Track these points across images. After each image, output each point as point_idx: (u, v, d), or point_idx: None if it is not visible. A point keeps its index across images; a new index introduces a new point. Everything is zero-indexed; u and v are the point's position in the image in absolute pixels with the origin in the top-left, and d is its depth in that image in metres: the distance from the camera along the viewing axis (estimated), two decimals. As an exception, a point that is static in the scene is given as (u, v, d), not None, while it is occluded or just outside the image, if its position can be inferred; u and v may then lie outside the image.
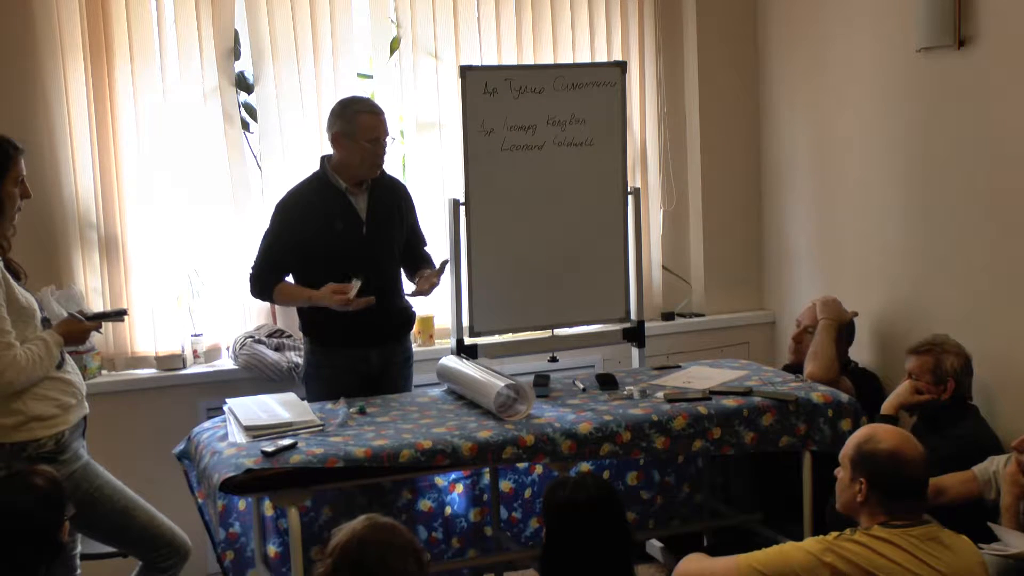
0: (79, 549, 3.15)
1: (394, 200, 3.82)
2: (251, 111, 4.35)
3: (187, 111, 4.14)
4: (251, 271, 3.77)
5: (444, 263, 3.82)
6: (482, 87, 3.90)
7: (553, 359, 4.18)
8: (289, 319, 4.18)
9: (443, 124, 4.42)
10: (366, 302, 3.58)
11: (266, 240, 3.74)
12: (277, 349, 4.11)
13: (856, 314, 4.07)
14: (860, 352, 4.19)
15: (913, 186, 4.02)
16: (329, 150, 3.75)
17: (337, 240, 3.65)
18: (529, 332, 4.23)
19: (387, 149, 3.72)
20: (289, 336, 4.18)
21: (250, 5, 4.17)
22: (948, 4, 3.67)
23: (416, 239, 3.93)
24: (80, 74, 3.96)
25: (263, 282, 3.73)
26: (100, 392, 3.84)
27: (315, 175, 3.76)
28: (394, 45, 4.42)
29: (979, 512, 3.05)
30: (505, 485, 3.84)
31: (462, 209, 3.93)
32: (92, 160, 4.00)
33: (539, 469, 3.82)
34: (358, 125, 3.63)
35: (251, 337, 4.13)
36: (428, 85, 4.40)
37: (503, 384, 3.35)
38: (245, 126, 4.34)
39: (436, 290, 4.18)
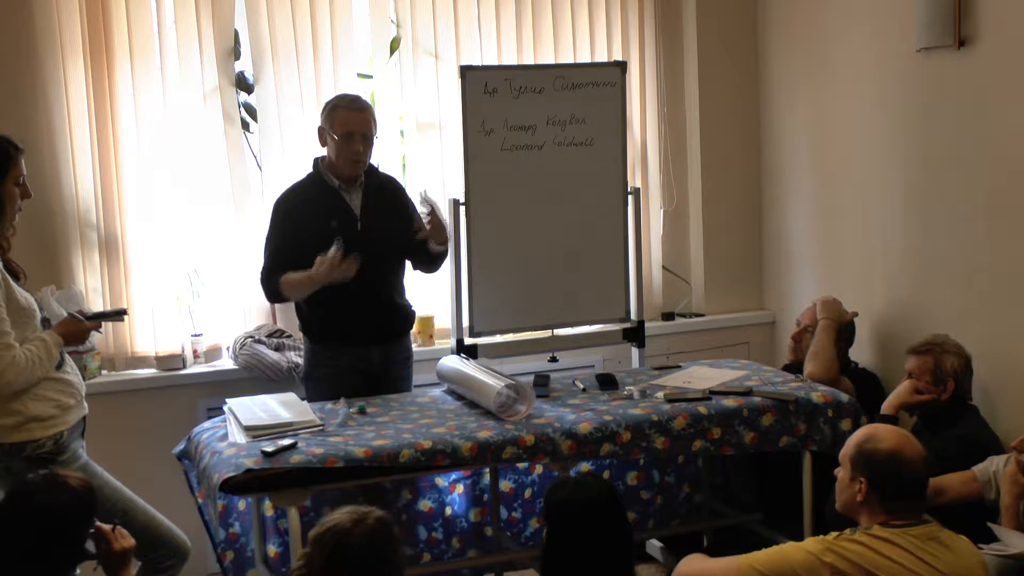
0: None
1: (390, 197, 3.81)
2: (251, 111, 4.35)
3: (187, 111, 4.14)
4: (261, 276, 3.75)
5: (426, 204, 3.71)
6: (482, 87, 3.90)
7: (553, 359, 4.18)
8: (289, 319, 4.18)
9: (443, 124, 4.42)
10: (351, 263, 3.54)
11: (269, 244, 3.74)
12: (277, 349, 4.11)
13: (856, 314, 4.07)
14: (860, 352, 4.18)
15: (913, 186, 4.02)
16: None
17: (332, 238, 3.65)
18: (529, 332, 4.23)
19: (367, 147, 3.66)
20: (289, 336, 4.18)
21: (250, 5, 4.17)
22: (948, 4, 3.67)
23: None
24: (80, 74, 3.96)
25: (270, 284, 3.70)
26: (100, 392, 3.84)
27: (309, 175, 3.77)
28: (394, 45, 4.42)
29: (979, 512, 3.05)
30: (505, 485, 3.84)
31: (462, 209, 3.93)
32: (92, 160, 4.00)
33: (539, 469, 3.82)
34: (333, 120, 3.64)
35: (251, 337, 4.13)
36: (428, 85, 4.40)
37: (503, 384, 3.35)
38: (245, 126, 4.34)
39: (436, 290, 4.19)
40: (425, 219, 3.69)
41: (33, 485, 2.54)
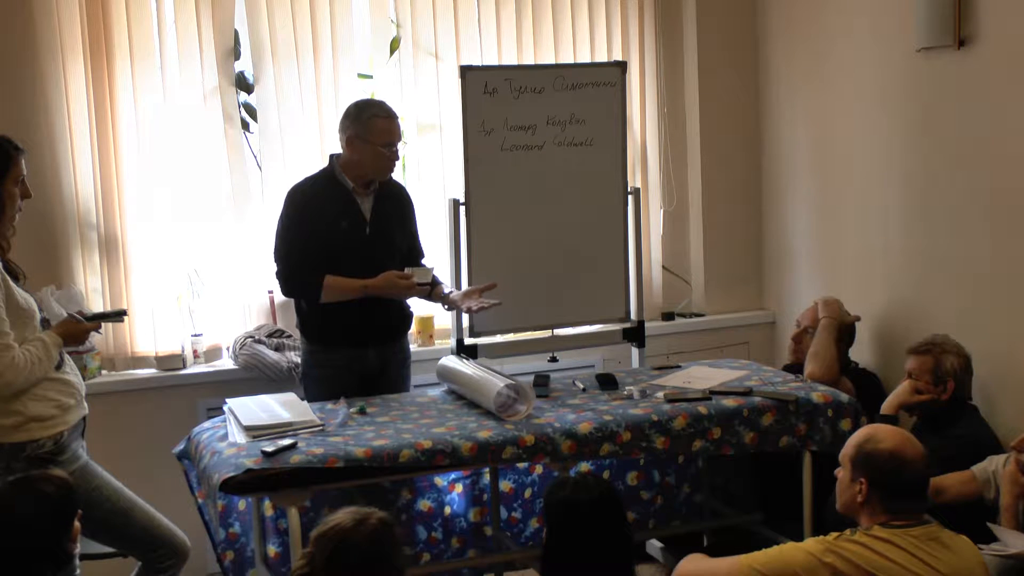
0: (79, 549, 3.14)
1: (397, 205, 3.83)
2: (251, 111, 4.35)
3: (187, 111, 4.14)
4: (281, 271, 3.73)
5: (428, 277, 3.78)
6: (482, 87, 3.90)
7: (553, 359, 4.18)
8: (289, 319, 4.18)
9: (443, 124, 4.42)
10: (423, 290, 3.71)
11: (288, 235, 3.70)
12: (277, 349, 4.11)
13: (858, 318, 4.07)
14: (860, 352, 4.19)
15: (913, 186, 4.02)
16: (336, 148, 3.75)
17: (340, 239, 3.66)
18: (529, 332, 4.23)
19: (399, 153, 3.73)
20: (289, 336, 4.18)
21: (250, 5, 4.17)
22: (948, 4, 3.67)
23: (414, 251, 3.91)
24: (80, 74, 3.96)
25: (304, 283, 3.68)
26: (100, 392, 3.84)
27: (324, 171, 3.76)
28: (394, 45, 4.42)
29: (979, 512, 3.05)
30: (505, 485, 3.84)
31: (462, 209, 3.93)
32: (92, 160, 4.00)
33: (539, 469, 3.82)
34: (373, 129, 3.63)
35: (251, 337, 4.13)
36: (428, 85, 4.40)
37: (503, 384, 3.35)
38: (245, 126, 4.34)
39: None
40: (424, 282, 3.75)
41: (8, 498, 2.50)
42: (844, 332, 4.02)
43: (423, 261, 3.93)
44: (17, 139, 3.03)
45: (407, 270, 3.71)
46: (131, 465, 3.65)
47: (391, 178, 3.84)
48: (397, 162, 3.74)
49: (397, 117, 3.73)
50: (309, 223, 3.67)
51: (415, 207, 3.95)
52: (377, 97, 4.36)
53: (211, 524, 3.49)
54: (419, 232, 3.96)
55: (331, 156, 3.77)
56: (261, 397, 3.51)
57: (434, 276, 3.80)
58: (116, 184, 4.06)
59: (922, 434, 3.07)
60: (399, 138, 3.72)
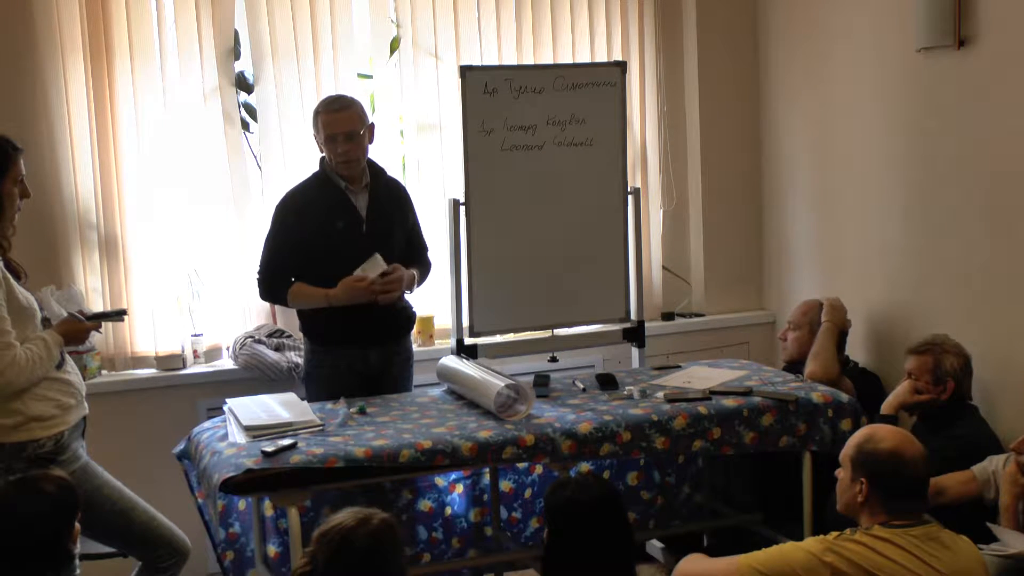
0: (79, 549, 3.14)
1: (394, 200, 3.82)
2: (251, 111, 4.35)
3: (187, 111, 4.14)
4: (258, 274, 3.78)
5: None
6: (482, 87, 3.90)
7: (553, 359, 4.18)
8: (289, 319, 4.18)
9: (443, 124, 4.42)
10: (388, 281, 3.60)
11: (270, 242, 3.75)
12: (277, 349, 4.11)
13: (849, 323, 4.08)
14: (859, 352, 4.19)
15: (913, 186, 4.02)
16: None
17: (337, 239, 3.66)
18: (529, 332, 4.23)
19: (354, 146, 3.63)
20: (289, 336, 4.18)
21: (250, 5, 4.17)
22: (948, 4, 3.67)
23: (413, 245, 3.89)
24: (80, 74, 3.96)
25: (274, 287, 3.73)
26: (100, 392, 3.84)
27: (315, 175, 3.77)
28: (394, 45, 4.42)
29: (979, 512, 3.05)
30: (505, 485, 3.84)
31: (462, 209, 3.93)
32: (92, 160, 4.00)
33: (539, 469, 3.82)
34: (318, 124, 3.67)
35: (251, 337, 4.13)
36: (428, 85, 4.40)
37: (503, 384, 3.35)
38: (245, 126, 4.34)
39: (436, 290, 4.19)
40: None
41: (9, 498, 2.50)
42: (842, 336, 4.03)
43: (428, 255, 3.92)
44: (16, 139, 3.03)
45: (358, 270, 3.65)
46: (131, 465, 3.65)
47: (387, 174, 3.84)
48: (354, 153, 3.64)
49: (344, 109, 3.65)
50: (295, 229, 3.67)
51: (413, 202, 3.94)
52: (377, 97, 4.38)
53: (211, 524, 3.49)
54: (420, 225, 3.95)
55: (321, 158, 3.77)
56: (261, 397, 3.51)
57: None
58: (116, 184, 4.06)
59: (922, 434, 3.07)
60: (344, 128, 3.61)
